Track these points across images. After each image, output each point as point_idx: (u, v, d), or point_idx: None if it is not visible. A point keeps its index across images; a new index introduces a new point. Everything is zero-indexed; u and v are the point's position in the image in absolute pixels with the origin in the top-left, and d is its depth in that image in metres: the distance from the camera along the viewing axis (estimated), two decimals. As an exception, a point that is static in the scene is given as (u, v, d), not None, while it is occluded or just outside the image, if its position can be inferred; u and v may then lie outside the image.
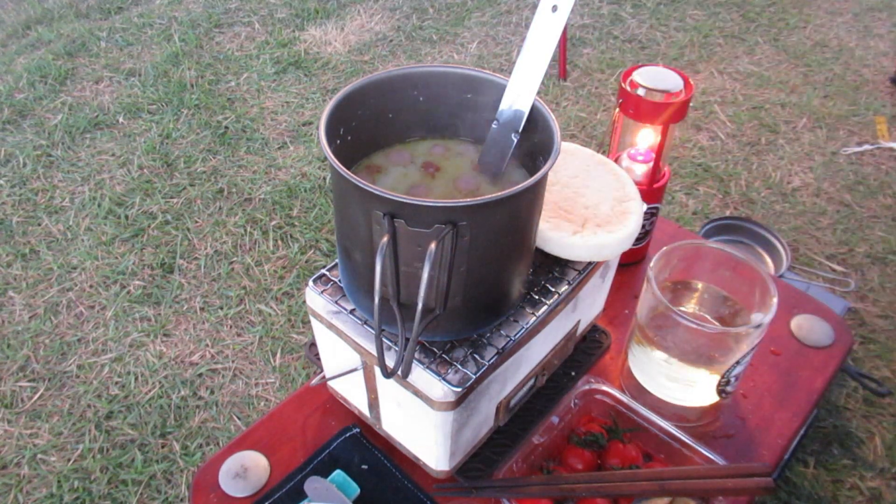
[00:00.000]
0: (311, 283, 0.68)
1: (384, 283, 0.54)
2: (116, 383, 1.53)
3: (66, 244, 1.87)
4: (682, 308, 0.78)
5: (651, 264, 0.75)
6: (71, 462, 1.39)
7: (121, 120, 2.30)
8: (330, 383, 0.79)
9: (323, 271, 0.69)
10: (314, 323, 0.70)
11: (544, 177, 0.53)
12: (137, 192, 2.01)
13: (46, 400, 1.51)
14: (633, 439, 0.76)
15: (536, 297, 0.67)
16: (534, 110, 0.58)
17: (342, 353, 0.69)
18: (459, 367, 0.61)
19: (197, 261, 1.81)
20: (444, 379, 0.60)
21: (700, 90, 2.39)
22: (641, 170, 0.93)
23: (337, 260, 0.66)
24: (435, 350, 0.62)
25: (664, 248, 0.77)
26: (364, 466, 0.77)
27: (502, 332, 0.64)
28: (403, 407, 0.67)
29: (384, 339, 0.62)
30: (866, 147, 2.15)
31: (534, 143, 0.60)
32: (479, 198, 0.49)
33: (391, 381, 0.64)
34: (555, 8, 0.50)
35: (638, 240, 1.00)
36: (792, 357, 0.91)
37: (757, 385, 0.87)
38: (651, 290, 0.73)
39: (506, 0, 2.94)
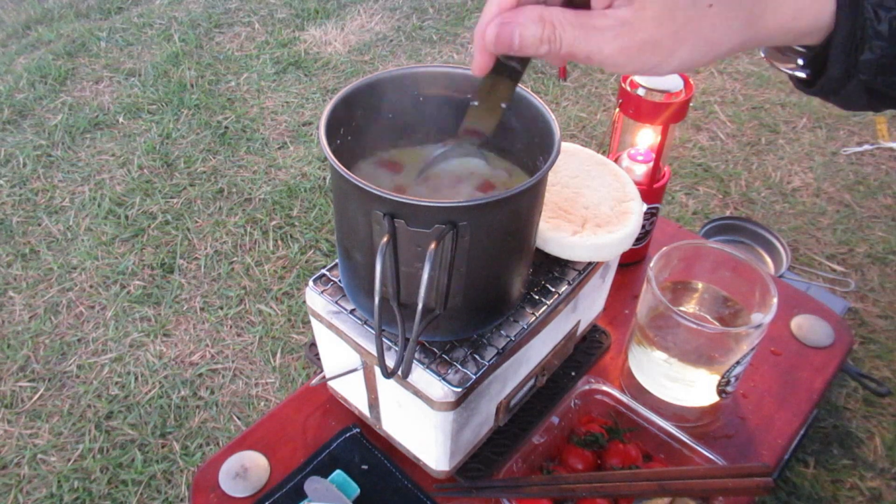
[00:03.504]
0: (311, 283, 0.68)
1: (384, 284, 0.54)
2: (116, 383, 1.53)
3: (66, 244, 1.87)
4: (682, 308, 0.78)
5: (651, 264, 0.75)
6: (71, 462, 1.39)
7: (121, 120, 2.30)
8: (330, 383, 0.79)
9: (323, 271, 0.69)
10: (314, 323, 0.70)
11: (544, 177, 0.53)
12: (137, 192, 2.01)
13: (46, 400, 1.51)
14: (633, 439, 0.76)
15: (536, 297, 0.67)
16: (533, 109, 0.58)
17: (342, 353, 0.69)
18: (459, 367, 0.61)
19: (197, 261, 1.81)
20: (444, 379, 0.60)
21: (700, 90, 2.39)
22: (641, 170, 0.93)
23: (337, 260, 0.66)
24: (435, 350, 0.62)
25: (664, 248, 0.77)
26: (364, 466, 0.77)
27: (502, 332, 0.64)
28: (403, 407, 0.67)
29: (384, 339, 0.62)
30: (866, 147, 2.15)
31: (534, 143, 0.60)
32: (479, 198, 0.49)
33: (391, 381, 0.64)
34: None
35: (638, 240, 1.00)
36: (792, 357, 0.91)
37: (757, 385, 0.87)
38: (651, 290, 0.74)
39: (506, 0, 2.94)
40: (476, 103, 0.50)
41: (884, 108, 0.41)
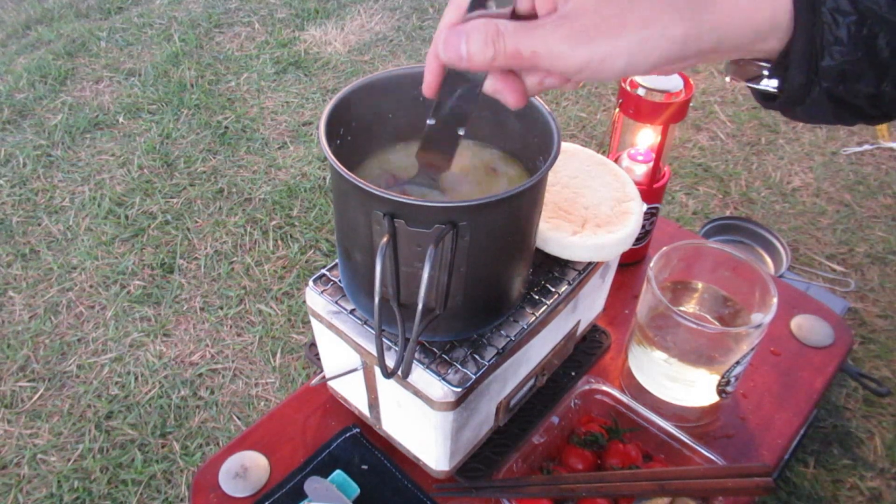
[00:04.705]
0: (311, 283, 0.68)
1: (384, 284, 0.54)
2: (116, 383, 1.53)
3: (66, 244, 1.87)
4: (682, 308, 0.78)
5: (651, 264, 0.75)
6: (71, 462, 1.39)
7: (121, 120, 2.30)
8: (330, 383, 0.79)
9: (323, 271, 0.69)
10: (314, 323, 0.70)
11: (544, 177, 0.53)
12: (137, 192, 2.01)
13: (46, 400, 1.51)
14: (633, 439, 0.76)
15: (536, 297, 0.67)
16: (533, 109, 0.58)
17: (342, 353, 0.69)
18: (459, 367, 0.61)
19: (197, 261, 1.81)
20: (444, 379, 0.60)
21: (700, 90, 2.39)
22: (641, 170, 0.93)
23: (337, 260, 0.66)
24: (435, 350, 0.62)
25: (664, 248, 0.77)
26: (364, 466, 0.77)
27: (502, 332, 0.64)
28: (403, 407, 0.67)
29: (384, 339, 0.62)
30: (866, 147, 2.15)
31: (534, 143, 0.60)
32: (479, 198, 0.49)
33: (391, 381, 0.64)
34: None
35: (638, 240, 1.00)
36: (792, 357, 0.91)
37: (757, 385, 0.87)
38: (651, 290, 0.74)
39: (506, 0, 2.94)
40: (433, 122, 0.48)
41: (852, 122, 0.40)
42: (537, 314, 0.66)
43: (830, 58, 0.36)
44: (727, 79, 0.43)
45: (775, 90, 0.40)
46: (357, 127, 0.61)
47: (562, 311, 0.70)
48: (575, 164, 0.77)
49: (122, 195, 2.01)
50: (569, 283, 0.69)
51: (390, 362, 0.55)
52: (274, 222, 1.91)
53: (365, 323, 0.65)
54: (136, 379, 1.54)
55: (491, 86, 0.43)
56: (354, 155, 0.63)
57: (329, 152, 0.51)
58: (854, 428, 1.40)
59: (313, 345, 0.82)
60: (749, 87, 0.42)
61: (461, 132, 0.48)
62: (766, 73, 0.40)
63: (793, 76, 0.38)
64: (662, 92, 0.86)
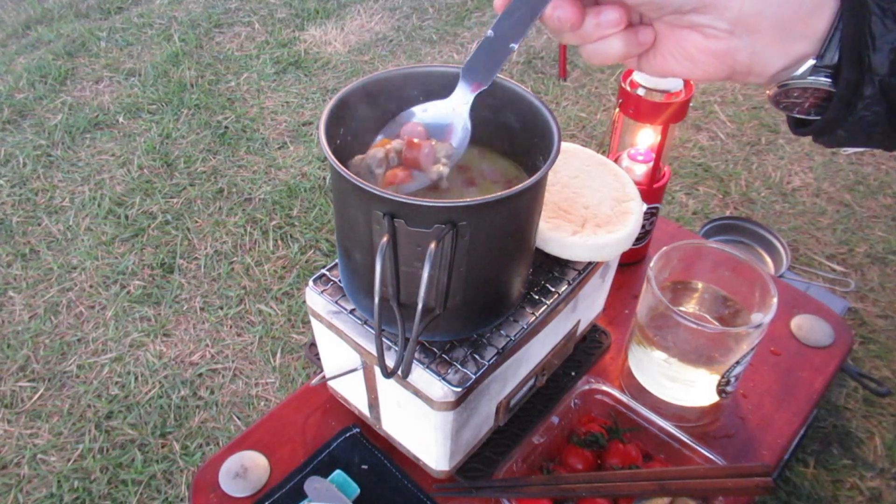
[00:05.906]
0: (311, 283, 0.68)
1: (384, 283, 0.54)
2: (116, 383, 1.53)
3: (66, 244, 1.87)
4: (682, 308, 0.78)
5: (651, 264, 0.75)
6: (71, 462, 1.39)
7: (121, 120, 2.30)
8: (330, 383, 0.79)
9: (323, 271, 0.69)
10: (314, 323, 0.70)
11: (544, 177, 0.53)
12: (137, 192, 2.01)
13: (46, 400, 1.51)
14: (633, 439, 0.76)
15: (536, 297, 0.67)
16: (533, 109, 0.58)
17: (342, 353, 0.69)
18: (459, 367, 0.61)
19: (197, 261, 1.81)
20: (444, 379, 0.60)
21: (700, 90, 2.39)
22: (641, 170, 0.93)
23: (337, 260, 0.66)
24: (435, 350, 0.62)
25: (664, 248, 0.77)
26: (364, 466, 0.77)
27: (502, 332, 0.64)
28: (403, 407, 0.67)
29: (384, 339, 0.62)
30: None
31: (534, 143, 0.60)
32: (479, 198, 0.49)
33: (391, 381, 0.64)
34: None
35: (638, 240, 1.00)
36: (792, 357, 0.91)
37: (757, 385, 0.87)
38: (651, 290, 0.74)
39: None
40: (492, 34, 0.49)
41: None
42: (537, 314, 0.66)
43: (881, 47, 0.36)
44: (768, 92, 0.43)
45: (816, 117, 0.41)
46: (357, 127, 0.61)
47: (562, 311, 0.70)
48: (575, 164, 0.77)
49: (122, 195, 2.01)
50: (569, 283, 0.69)
51: (390, 362, 0.55)
52: (274, 222, 1.91)
53: (365, 323, 0.65)
54: (136, 379, 1.54)
55: (553, 6, 0.42)
56: (354, 155, 0.63)
57: (329, 152, 0.51)
58: (854, 428, 1.40)
59: (313, 345, 0.82)
60: (788, 115, 0.42)
61: (514, 46, 0.49)
62: (812, 61, 0.40)
63: (845, 73, 0.38)
64: (662, 92, 0.86)
